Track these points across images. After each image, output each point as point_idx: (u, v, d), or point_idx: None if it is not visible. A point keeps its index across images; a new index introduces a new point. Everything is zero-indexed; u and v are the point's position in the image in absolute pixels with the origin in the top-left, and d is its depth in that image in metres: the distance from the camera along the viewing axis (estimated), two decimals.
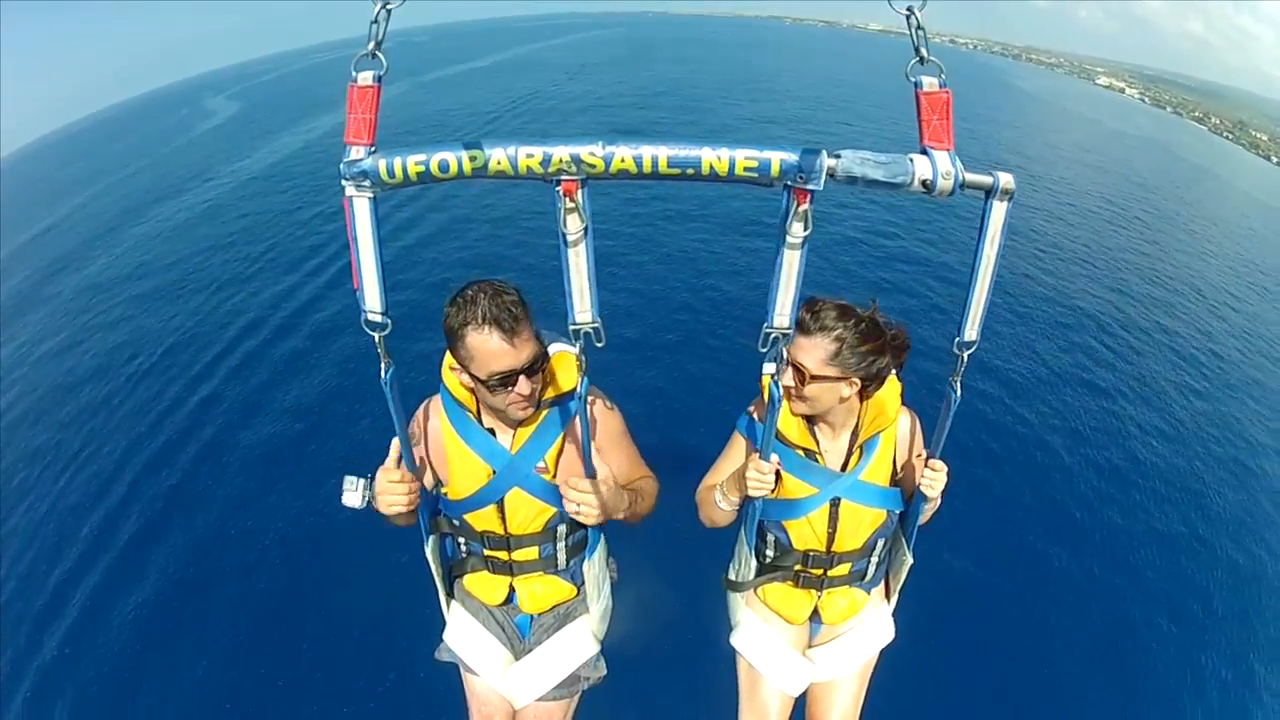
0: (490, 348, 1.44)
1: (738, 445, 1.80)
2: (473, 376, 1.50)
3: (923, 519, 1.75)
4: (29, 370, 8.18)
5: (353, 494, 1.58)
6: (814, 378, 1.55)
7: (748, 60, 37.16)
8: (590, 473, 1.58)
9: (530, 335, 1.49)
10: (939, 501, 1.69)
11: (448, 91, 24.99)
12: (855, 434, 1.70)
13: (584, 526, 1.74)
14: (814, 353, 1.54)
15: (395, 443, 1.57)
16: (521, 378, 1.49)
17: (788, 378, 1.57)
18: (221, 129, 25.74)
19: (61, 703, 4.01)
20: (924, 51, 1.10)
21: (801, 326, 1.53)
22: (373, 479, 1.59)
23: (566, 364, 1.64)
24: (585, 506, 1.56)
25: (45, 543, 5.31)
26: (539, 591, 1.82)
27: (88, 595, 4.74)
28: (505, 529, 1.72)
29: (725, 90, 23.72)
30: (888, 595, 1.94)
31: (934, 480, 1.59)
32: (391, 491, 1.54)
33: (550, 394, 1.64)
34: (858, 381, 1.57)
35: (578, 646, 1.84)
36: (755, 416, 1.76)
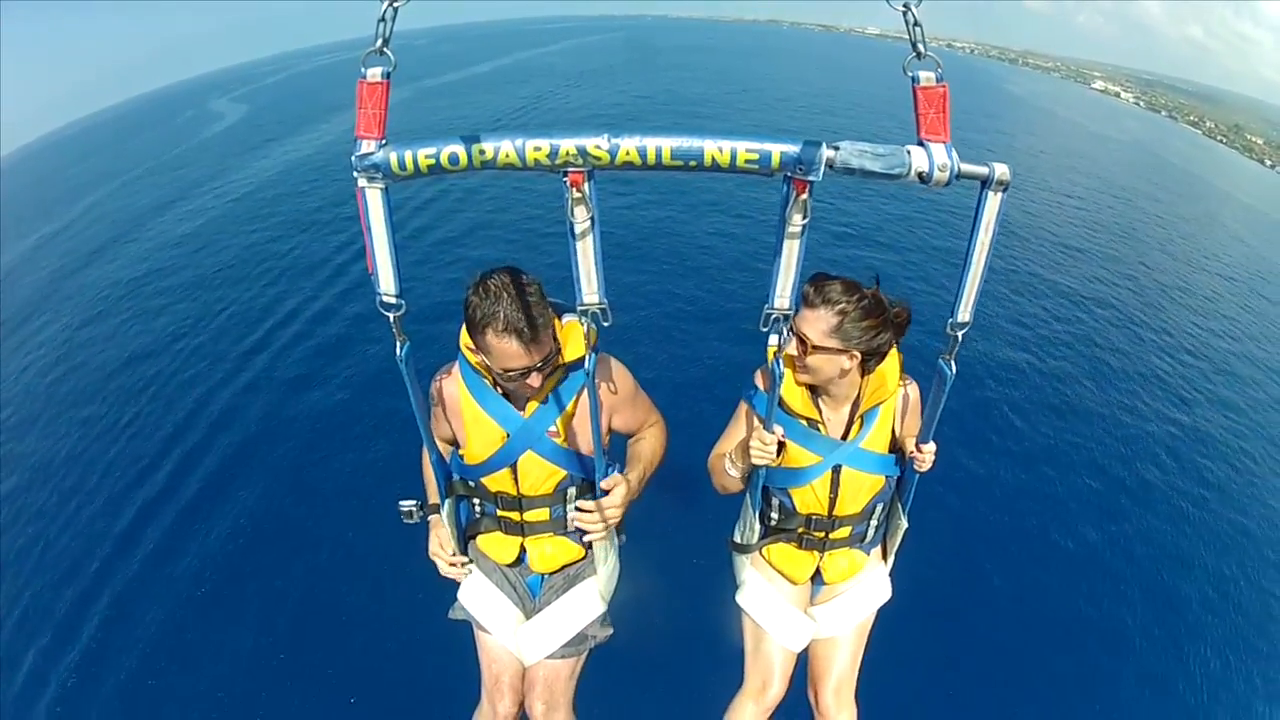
0: (508, 350, 1.51)
1: (744, 414, 1.87)
2: (487, 365, 1.59)
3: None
4: (59, 362, 8.23)
5: (410, 520, 1.91)
6: (816, 348, 1.63)
7: (747, 68, 37.07)
8: (599, 470, 1.66)
9: (547, 336, 1.56)
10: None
11: (451, 98, 24.91)
12: (856, 405, 1.77)
13: (592, 489, 1.80)
14: (817, 325, 1.62)
15: (436, 547, 1.90)
16: (534, 373, 1.57)
17: (792, 347, 1.65)
18: (232, 131, 25.49)
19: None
20: (921, 47, 1.12)
21: (806, 299, 1.62)
22: (421, 505, 1.91)
23: (579, 332, 1.68)
24: (606, 519, 1.67)
25: (95, 510, 5.49)
26: (549, 552, 1.89)
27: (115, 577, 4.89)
28: (518, 490, 1.79)
29: (726, 99, 23.81)
30: (884, 556, 2.03)
31: (924, 460, 1.69)
32: (438, 558, 1.92)
33: (562, 361, 1.69)
34: (858, 355, 1.65)
35: (585, 606, 1.91)
36: (760, 386, 1.82)
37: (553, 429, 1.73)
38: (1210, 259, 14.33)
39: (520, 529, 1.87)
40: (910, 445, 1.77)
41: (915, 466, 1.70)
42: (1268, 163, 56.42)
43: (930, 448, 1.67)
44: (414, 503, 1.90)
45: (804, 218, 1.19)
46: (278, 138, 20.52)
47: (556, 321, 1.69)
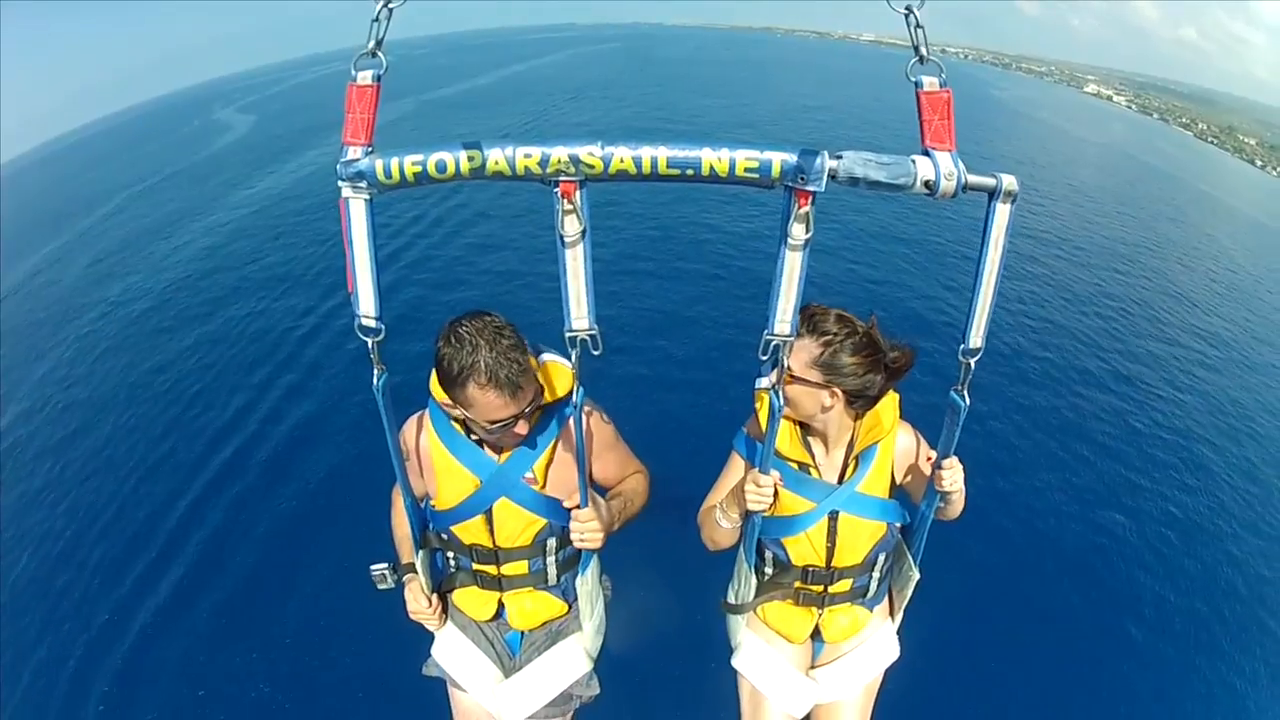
0: (492, 402, 1.43)
1: (736, 464, 1.77)
2: (469, 417, 1.51)
3: (952, 513, 1.69)
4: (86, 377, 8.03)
5: (384, 585, 1.81)
6: (794, 379, 1.53)
7: (745, 79, 36.82)
8: (584, 502, 1.57)
9: (530, 380, 1.47)
10: (963, 498, 1.63)
11: (454, 112, 24.46)
12: (851, 446, 1.67)
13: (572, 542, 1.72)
14: (799, 354, 1.52)
15: (415, 606, 1.78)
16: (521, 420, 1.49)
17: (774, 376, 1.55)
18: (246, 141, 24.84)
19: None
20: (924, 51, 1.09)
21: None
22: (394, 566, 1.81)
23: (558, 374, 1.62)
24: (589, 534, 1.57)
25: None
26: (529, 607, 1.79)
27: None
28: (493, 541, 1.69)
29: (727, 111, 23.71)
30: (891, 612, 1.91)
31: (951, 478, 1.51)
32: (421, 617, 1.80)
33: (544, 401, 1.61)
34: (840, 394, 1.54)
35: (570, 664, 1.81)
36: (750, 434, 1.73)
37: (529, 475, 1.63)
38: (1170, 251, 14.22)
39: (498, 583, 1.76)
40: (916, 495, 1.66)
41: (938, 486, 1.54)
42: (1258, 163, 55.76)
43: (953, 463, 1.50)
44: (386, 566, 1.80)
45: (806, 231, 1.14)
46: (294, 149, 20.00)
47: (533, 361, 1.62)
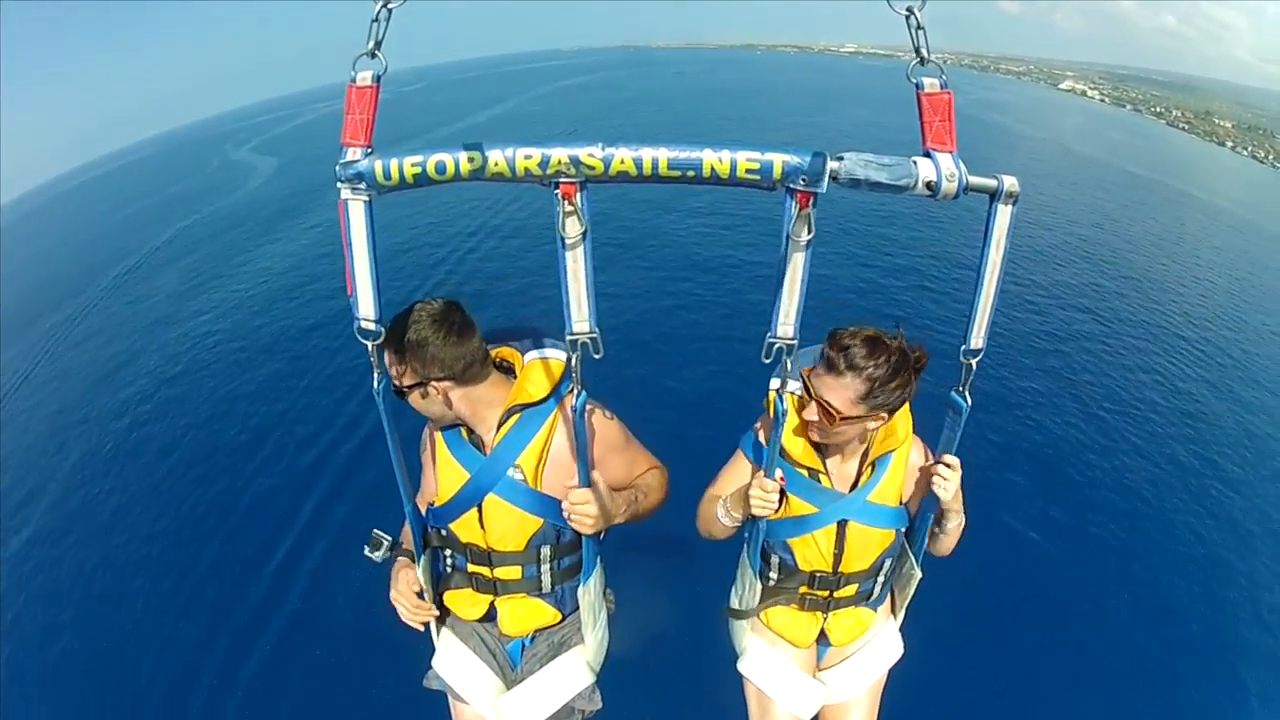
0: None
1: (741, 462, 1.75)
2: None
3: (949, 541, 1.67)
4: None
5: (375, 551, 1.76)
6: (845, 419, 1.49)
7: (744, 105, 36.96)
8: (585, 483, 1.52)
9: (400, 365, 1.50)
10: (962, 518, 1.62)
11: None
12: (865, 454, 1.66)
13: (571, 551, 1.69)
14: (843, 394, 1.47)
15: (396, 594, 1.75)
16: (399, 378, 1.53)
17: (811, 412, 1.52)
18: (277, 182, 24.62)
19: None
20: (924, 52, 1.09)
21: (830, 365, 1.48)
22: (395, 542, 1.77)
23: (536, 372, 1.60)
24: (582, 514, 1.51)
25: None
26: (520, 613, 1.75)
27: None
28: (486, 542, 1.67)
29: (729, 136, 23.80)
30: (893, 610, 1.91)
31: (947, 478, 1.49)
32: (401, 603, 1.76)
33: (520, 401, 1.58)
34: (885, 416, 1.53)
35: (572, 676, 1.77)
36: (760, 435, 1.71)
37: (519, 474, 1.58)
38: (1057, 215, 14.62)
39: (492, 586, 1.73)
40: (921, 491, 1.64)
41: (935, 489, 1.51)
42: (1229, 144, 54.82)
43: (953, 461, 1.47)
44: (389, 538, 1.78)
45: (808, 232, 1.13)
46: (326, 188, 19.89)
47: (514, 356, 1.64)
